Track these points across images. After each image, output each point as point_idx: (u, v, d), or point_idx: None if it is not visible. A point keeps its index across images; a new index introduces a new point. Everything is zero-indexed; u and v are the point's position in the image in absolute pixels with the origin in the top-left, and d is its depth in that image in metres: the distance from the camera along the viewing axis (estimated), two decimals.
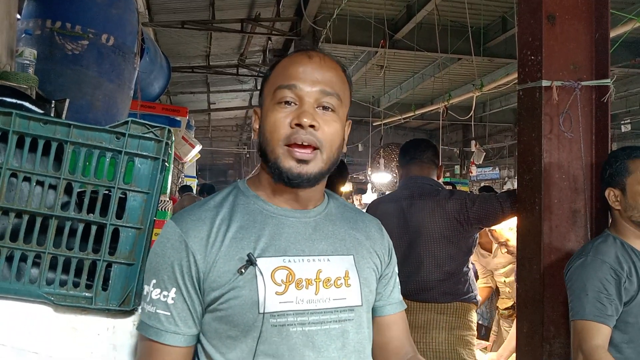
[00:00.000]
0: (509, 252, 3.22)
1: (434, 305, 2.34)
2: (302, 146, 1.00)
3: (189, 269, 0.98)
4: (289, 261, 1.01)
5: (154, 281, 0.99)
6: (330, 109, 1.03)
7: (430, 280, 2.34)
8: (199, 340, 1.02)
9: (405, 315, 1.22)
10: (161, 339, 0.97)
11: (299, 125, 0.99)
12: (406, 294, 2.30)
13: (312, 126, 0.99)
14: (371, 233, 1.17)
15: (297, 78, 1.02)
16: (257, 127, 1.09)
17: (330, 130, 1.02)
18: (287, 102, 1.02)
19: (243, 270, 0.97)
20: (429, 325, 2.32)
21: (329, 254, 1.05)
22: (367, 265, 1.11)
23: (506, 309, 3.50)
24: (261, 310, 0.96)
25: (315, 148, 1.01)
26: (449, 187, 2.95)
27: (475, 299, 2.44)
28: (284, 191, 1.05)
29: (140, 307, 1.11)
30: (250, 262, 0.97)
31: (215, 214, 1.02)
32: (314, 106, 1.02)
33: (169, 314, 0.98)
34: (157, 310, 0.98)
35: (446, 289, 2.35)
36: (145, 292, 1.00)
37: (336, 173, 2.90)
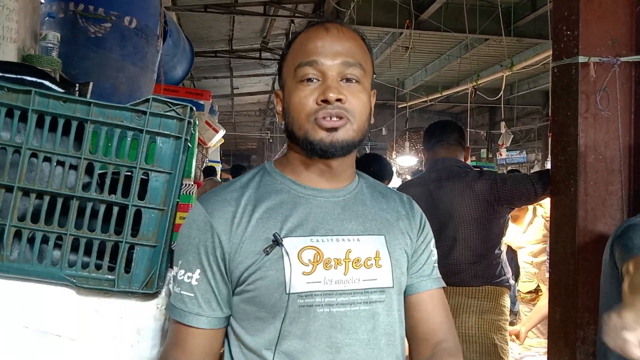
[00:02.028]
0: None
1: (464, 289, 2.28)
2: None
3: (213, 250, 0.97)
4: (317, 241, 0.98)
5: (180, 262, 1.00)
6: (354, 80, 1.00)
7: (461, 263, 2.28)
8: (230, 324, 1.01)
9: (443, 294, 1.12)
10: (184, 320, 0.97)
11: (326, 101, 0.96)
12: None
13: (339, 100, 0.96)
14: (402, 212, 1.12)
15: (316, 53, 0.99)
16: (280, 109, 1.06)
17: (357, 102, 0.99)
18: (309, 80, 0.98)
19: (269, 250, 0.95)
20: (458, 309, 2.27)
21: (359, 234, 1.02)
22: (399, 246, 1.07)
23: (528, 292, 3.36)
24: (287, 291, 0.93)
25: (343, 118, 0.98)
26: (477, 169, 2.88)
27: (508, 282, 2.38)
28: (317, 166, 1.03)
29: (164, 289, 1.10)
30: (276, 242, 0.95)
31: (241, 195, 1.01)
32: (337, 79, 0.98)
33: (192, 295, 0.98)
34: (182, 292, 0.98)
35: (477, 272, 2.29)
36: (174, 274, 1.01)
37: (381, 172, 2.84)
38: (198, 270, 0.98)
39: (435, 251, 1.17)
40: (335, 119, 0.97)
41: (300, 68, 0.99)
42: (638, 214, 1.70)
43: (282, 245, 0.95)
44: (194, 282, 0.98)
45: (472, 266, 2.28)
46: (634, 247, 1.51)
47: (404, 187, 2.53)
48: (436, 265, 1.15)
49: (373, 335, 0.99)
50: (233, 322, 1.00)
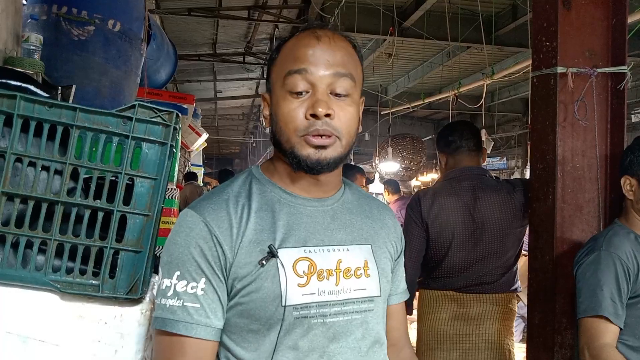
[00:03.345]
0: None
1: (490, 296, 2.26)
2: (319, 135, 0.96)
3: (217, 259, 0.94)
4: (310, 252, 0.97)
5: (177, 273, 0.94)
6: (344, 95, 0.98)
7: (494, 274, 2.26)
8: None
9: (404, 305, 1.20)
10: (192, 332, 0.92)
11: (314, 115, 0.95)
12: (461, 286, 2.25)
13: (327, 115, 0.95)
14: (385, 221, 1.14)
15: (307, 62, 0.97)
16: (268, 114, 1.04)
17: (346, 117, 0.98)
18: (298, 93, 0.96)
19: (264, 262, 0.93)
20: (483, 317, 2.25)
21: (347, 244, 1.03)
22: (384, 255, 1.08)
23: None
24: (283, 303, 0.93)
25: (332, 136, 0.96)
26: (505, 179, 2.81)
27: (520, 288, 2.39)
28: (303, 178, 1.02)
29: (148, 295, 1.10)
30: (272, 253, 0.94)
31: (235, 203, 0.99)
32: (327, 92, 0.97)
33: (198, 305, 0.93)
34: (185, 304, 0.92)
35: (504, 281, 2.28)
36: (165, 286, 0.94)
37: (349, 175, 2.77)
38: (203, 279, 0.93)
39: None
40: (324, 137, 0.95)
41: (290, 76, 0.97)
42: (602, 233, 1.75)
43: (278, 257, 0.94)
44: (199, 292, 0.93)
45: (502, 276, 2.27)
46: (584, 304, 1.63)
47: (432, 195, 2.37)
48: (404, 276, 1.20)
49: (364, 343, 1.00)
50: (222, 336, 0.97)
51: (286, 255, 0.95)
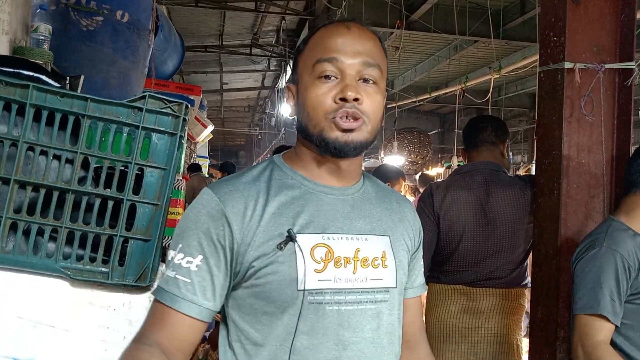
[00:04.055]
0: None
1: (499, 290, 2.25)
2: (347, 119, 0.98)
3: (223, 239, 0.96)
4: (328, 239, 0.99)
5: (180, 245, 0.96)
6: (372, 81, 1.00)
7: (505, 269, 2.25)
8: (231, 318, 1.00)
9: (421, 299, 1.20)
10: (175, 305, 0.94)
11: (343, 99, 0.97)
12: (471, 281, 2.24)
13: (356, 99, 0.97)
14: (405, 214, 1.14)
15: (337, 50, 0.99)
16: (293, 103, 1.06)
17: (373, 103, 1.00)
18: (327, 77, 0.98)
19: (283, 246, 0.95)
20: (492, 311, 2.24)
21: (366, 233, 1.03)
22: (402, 247, 1.09)
23: None
24: (300, 287, 0.94)
25: (359, 119, 0.98)
26: (516, 176, 2.77)
27: (530, 283, 2.38)
28: (327, 163, 1.03)
29: (156, 282, 1.11)
30: (290, 238, 0.95)
31: (253, 187, 1.00)
32: (356, 79, 0.99)
33: (188, 281, 0.95)
34: (177, 276, 0.95)
35: (515, 276, 2.28)
36: (170, 257, 0.97)
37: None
38: (200, 257, 0.95)
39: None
40: (351, 119, 0.97)
41: (319, 64, 0.99)
42: (601, 229, 1.72)
43: (296, 242, 0.95)
44: (193, 268, 0.95)
45: (512, 272, 2.27)
46: (580, 300, 1.63)
47: (445, 188, 2.36)
48: (422, 270, 1.20)
49: (377, 334, 1.01)
50: (236, 316, 0.99)
51: (304, 241, 0.96)
